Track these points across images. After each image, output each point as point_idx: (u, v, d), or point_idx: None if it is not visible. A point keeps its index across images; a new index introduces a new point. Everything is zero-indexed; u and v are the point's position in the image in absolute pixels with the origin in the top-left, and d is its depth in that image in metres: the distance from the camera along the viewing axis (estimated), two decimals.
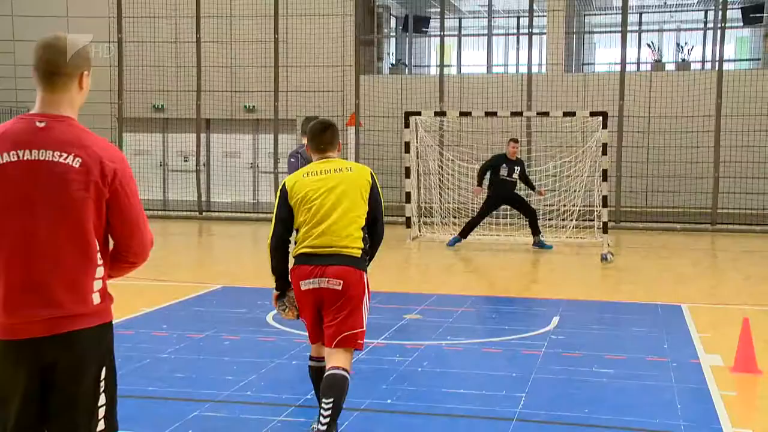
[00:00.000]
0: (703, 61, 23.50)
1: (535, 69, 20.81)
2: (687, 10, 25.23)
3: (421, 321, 8.34)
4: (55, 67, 3.08)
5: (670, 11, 25.61)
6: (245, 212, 20.98)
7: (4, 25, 25.42)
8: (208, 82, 21.64)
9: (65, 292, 2.88)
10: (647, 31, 25.42)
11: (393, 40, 26.52)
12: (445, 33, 20.99)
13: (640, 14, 25.22)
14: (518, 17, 27.11)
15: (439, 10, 21.00)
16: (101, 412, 3.03)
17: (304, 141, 5.84)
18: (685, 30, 25.26)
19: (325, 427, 4.49)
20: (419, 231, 16.13)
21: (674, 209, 19.43)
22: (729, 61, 22.67)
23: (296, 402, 5.56)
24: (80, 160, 2.93)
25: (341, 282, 4.62)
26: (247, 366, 6.47)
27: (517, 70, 24.09)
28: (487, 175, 14.55)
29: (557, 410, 5.45)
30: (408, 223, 15.76)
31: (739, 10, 23.04)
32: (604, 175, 14.87)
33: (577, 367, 6.57)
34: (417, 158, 16.16)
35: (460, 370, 6.52)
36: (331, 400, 4.54)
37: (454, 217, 16.59)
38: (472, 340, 7.50)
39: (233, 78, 22.90)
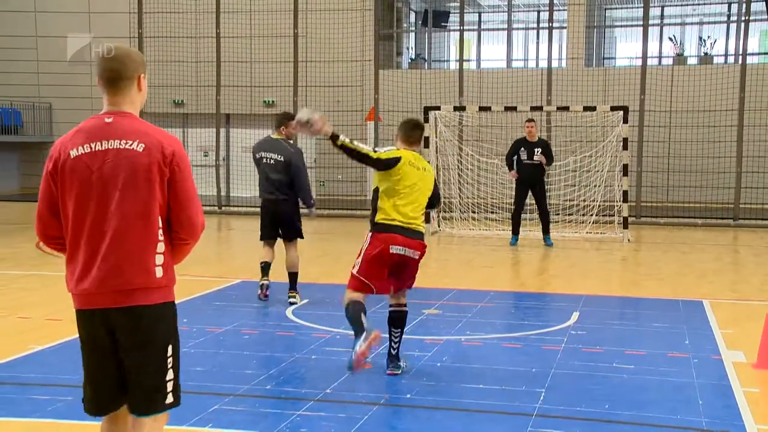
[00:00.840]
0: (726, 55, 23.31)
1: (555, 63, 20.72)
2: (710, 3, 25.02)
3: (441, 316, 8.33)
4: (116, 73, 3.46)
5: (693, 4, 25.39)
6: None
7: (26, 22, 25.62)
8: (227, 77, 21.72)
9: (131, 266, 3.33)
10: (669, 24, 25.23)
11: (412, 35, 26.49)
12: (465, 27, 20.91)
13: (662, 7, 25.04)
14: (538, 11, 27.00)
15: (458, 4, 20.95)
16: (169, 386, 3.43)
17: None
18: (708, 23, 25.05)
19: (395, 351, 6.23)
20: (438, 226, 16.11)
21: (696, 204, 19.31)
22: (753, 54, 22.47)
23: (315, 396, 5.57)
24: (143, 145, 3.44)
25: (419, 253, 6.35)
26: (266, 360, 6.50)
27: (537, 65, 24.01)
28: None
29: (577, 406, 5.43)
30: (427, 218, 15.75)
31: (764, 3, 22.80)
32: (625, 170, 14.79)
33: (598, 362, 6.54)
34: (436, 153, 16.14)
35: (480, 365, 6.51)
36: (399, 329, 6.30)
37: (474, 212, 16.56)
38: (492, 335, 7.49)
39: (253, 73, 22.97)
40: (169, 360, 3.42)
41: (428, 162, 6.53)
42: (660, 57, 24.11)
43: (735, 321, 8.24)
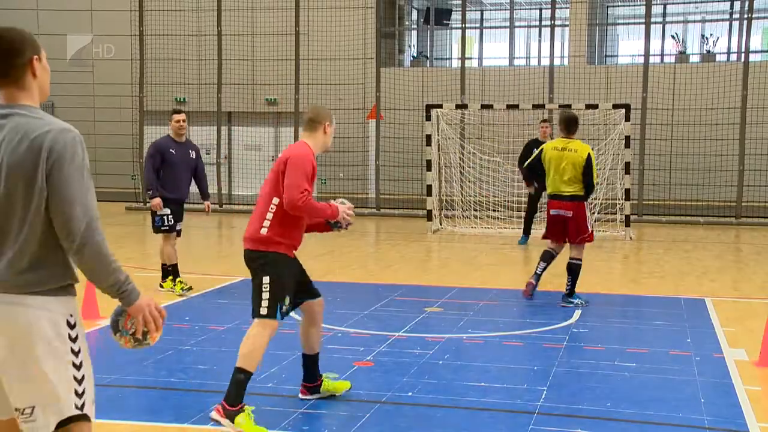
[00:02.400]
0: (729, 53, 23.28)
1: (557, 61, 20.70)
2: (712, 1, 24.98)
3: (442, 314, 8.34)
4: None
5: (695, 2, 25.35)
6: None
7: (28, 19, 25.61)
8: (229, 75, 21.71)
9: (251, 226, 5.21)
10: (671, 22, 25.20)
11: (414, 33, 26.48)
12: (467, 25, 20.90)
13: (665, 5, 25.00)
14: (540, 9, 26.99)
15: (460, 2, 20.94)
16: (264, 303, 5.19)
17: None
18: (710, 21, 25.01)
19: (567, 293, 8.82)
20: (440, 224, 16.12)
21: (698, 202, 19.29)
22: (755, 52, 22.45)
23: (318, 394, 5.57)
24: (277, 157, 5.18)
25: (571, 212, 8.63)
26: (268, 358, 6.49)
27: (539, 63, 24.00)
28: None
29: (579, 404, 5.44)
30: (429, 216, 15.76)
31: (766, 0, 22.77)
32: (627, 168, 14.79)
33: (599, 360, 6.55)
34: (438, 151, 16.14)
35: (481, 363, 6.51)
36: (571, 277, 8.84)
37: (475, 210, 16.56)
38: (493, 333, 7.49)
39: (254, 71, 22.96)
40: (264, 287, 5.14)
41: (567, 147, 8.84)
42: (662, 55, 24.09)
43: (737, 319, 8.24)
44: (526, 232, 14.38)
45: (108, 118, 24.36)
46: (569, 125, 8.84)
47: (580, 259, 8.89)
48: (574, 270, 8.85)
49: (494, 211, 16.31)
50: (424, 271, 11.58)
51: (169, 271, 9.38)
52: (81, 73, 24.85)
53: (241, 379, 5.02)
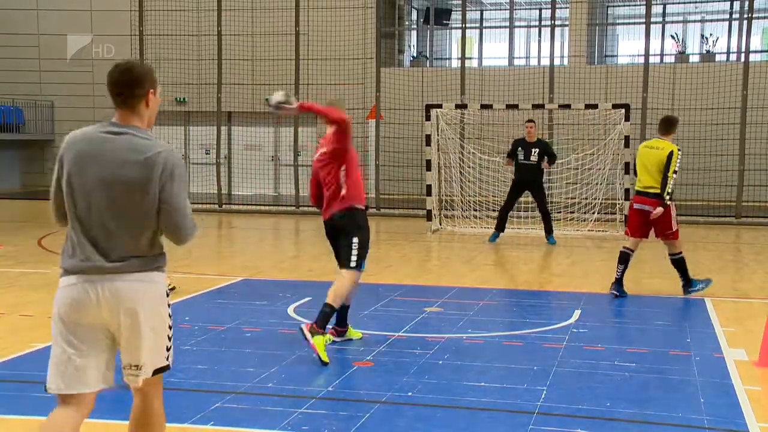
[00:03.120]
0: (728, 53, 23.28)
1: (557, 61, 20.70)
2: (712, 1, 24.98)
3: (442, 314, 8.34)
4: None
5: (695, 2, 25.36)
6: (266, 205, 21.05)
7: (28, 20, 25.62)
8: (229, 75, 21.71)
9: (332, 201, 6.67)
10: (671, 22, 25.21)
11: (414, 33, 26.48)
12: (467, 25, 20.90)
13: (664, 5, 25.01)
14: (540, 9, 27.00)
15: (460, 2, 20.94)
16: (353, 256, 6.63)
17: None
18: (710, 21, 25.01)
19: (684, 285, 9.41)
20: (440, 224, 16.12)
21: (698, 202, 19.29)
22: (755, 52, 22.45)
23: (317, 394, 5.57)
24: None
25: (651, 207, 9.09)
26: (268, 358, 6.50)
27: (539, 62, 24.00)
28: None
29: (579, 404, 5.43)
30: (429, 216, 15.76)
31: (766, 0, 22.77)
32: (627, 168, 14.78)
33: (599, 360, 6.54)
34: (438, 151, 16.14)
35: (481, 363, 6.51)
36: (680, 271, 9.37)
37: (475, 210, 16.57)
38: (493, 333, 7.49)
39: (254, 71, 22.96)
40: (353, 241, 6.62)
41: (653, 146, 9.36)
42: (662, 55, 24.09)
43: (737, 319, 8.24)
44: (499, 227, 14.31)
45: (108, 118, 24.36)
46: (663, 125, 9.46)
47: (679, 252, 9.34)
48: (678, 264, 9.38)
49: (494, 211, 16.29)
50: (423, 271, 11.57)
51: None
52: (81, 73, 24.85)
53: (326, 312, 6.43)
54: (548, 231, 14.19)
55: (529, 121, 14.24)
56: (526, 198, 14.93)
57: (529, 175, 13.96)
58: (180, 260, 11.43)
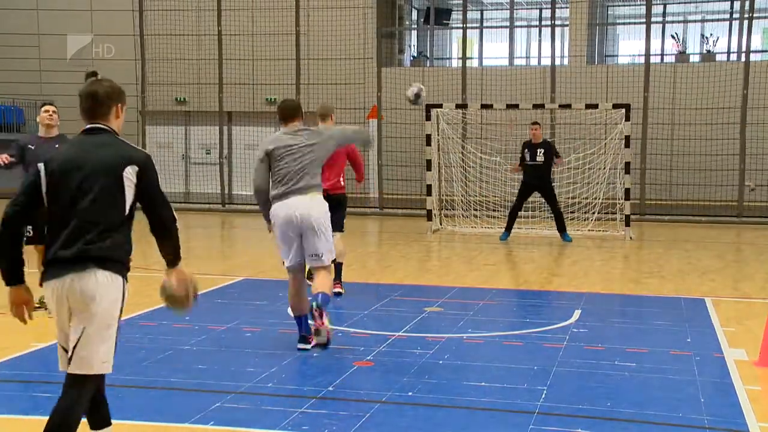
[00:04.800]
0: (729, 53, 23.25)
1: (557, 61, 20.69)
2: (712, 1, 24.97)
3: (442, 314, 8.34)
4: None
5: (695, 2, 25.34)
6: None
7: (29, 20, 25.61)
8: (230, 75, 21.70)
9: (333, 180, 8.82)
10: (672, 22, 25.19)
11: (414, 33, 26.46)
12: (467, 25, 20.89)
13: (665, 5, 24.99)
14: (540, 9, 26.98)
15: (460, 2, 20.93)
16: (343, 222, 9.30)
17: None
18: (711, 21, 24.99)
19: None
20: (440, 224, 16.12)
21: (699, 202, 19.28)
22: (756, 51, 22.41)
23: (318, 394, 5.57)
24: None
25: None
26: (268, 358, 6.50)
27: (540, 62, 23.98)
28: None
29: (579, 404, 5.43)
30: (429, 216, 15.75)
31: (766, 0, 22.76)
32: (627, 168, 14.79)
33: (599, 360, 6.54)
34: (438, 151, 16.14)
35: (481, 363, 6.51)
36: None
37: (476, 210, 16.56)
38: (493, 333, 7.49)
39: (255, 71, 22.95)
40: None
41: None
42: (662, 55, 24.07)
43: (737, 319, 8.23)
44: (509, 227, 14.56)
45: None
46: None
47: None
48: None
49: (494, 210, 16.31)
50: (424, 271, 11.58)
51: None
52: (81, 73, 24.82)
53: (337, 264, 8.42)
54: (562, 229, 14.38)
55: (534, 123, 14.48)
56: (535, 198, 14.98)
57: (537, 176, 14.15)
58: (182, 259, 11.41)
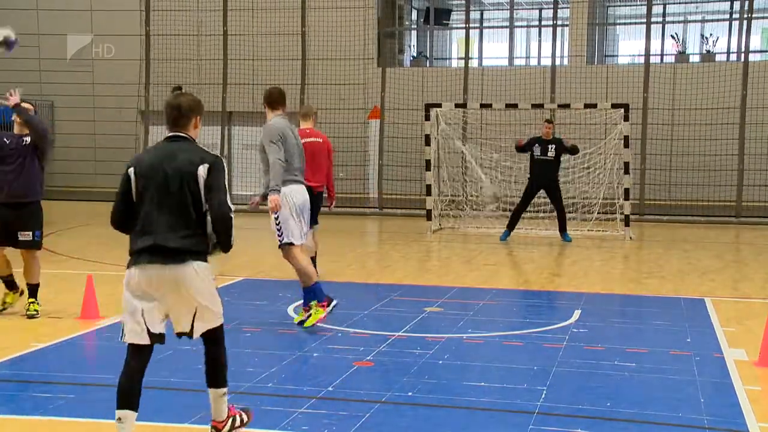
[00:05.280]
0: (728, 53, 23.24)
1: (557, 61, 20.68)
2: (712, 1, 24.95)
3: (442, 314, 8.33)
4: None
5: (695, 2, 25.34)
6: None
7: (29, 20, 25.59)
8: (231, 74, 21.70)
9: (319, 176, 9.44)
10: (671, 22, 25.18)
11: (414, 33, 26.46)
12: (469, 25, 20.88)
13: (664, 5, 24.97)
14: (540, 9, 26.99)
15: (461, 2, 20.93)
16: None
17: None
18: (710, 21, 24.98)
19: None
20: (440, 224, 16.11)
21: (698, 202, 19.27)
22: (755, 52, 22.42)
23: (317, 394, 5.57)
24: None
25: None
26: (268, 358, 6.50)
27: (539, 62, 23.96)
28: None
29: (579, 404, 5.43)
30: (429, 216, 15.74)
31: (766, 0, 22.75)
32: (627, 168, 14.77)
33: (599, 360, 6.54)
34: (438, 150, 16.13)
35: (481, 363, 6.51)
36: None
37: (476, 210, 16.56)
38: (493, 333, 7.49)
39: (255, 71, 22.94)
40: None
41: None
42: (662, 55, 24.05)
43: (737, 319, 8.23)
44: (510, 226, 14.52)
45: (108, 118, 24.34)
46: None
47: None
48: None
49: (494, 210, 16.29)
50: (424, 271, 11.57)
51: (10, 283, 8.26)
52: (81, 73, 24.82)
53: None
54: (563, 229, 14.38)
55: (548, 121, 14.53)
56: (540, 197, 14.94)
57: (546, 172, 14.11)
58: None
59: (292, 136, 7.52)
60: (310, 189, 8.01)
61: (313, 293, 7.38)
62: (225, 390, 4.80)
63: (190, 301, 4.48)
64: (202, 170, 4.45)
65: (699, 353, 6.78)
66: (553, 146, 14.08)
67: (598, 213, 15.81)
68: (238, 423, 4.87)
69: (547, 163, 14.06)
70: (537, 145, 14.16)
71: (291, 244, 7.44)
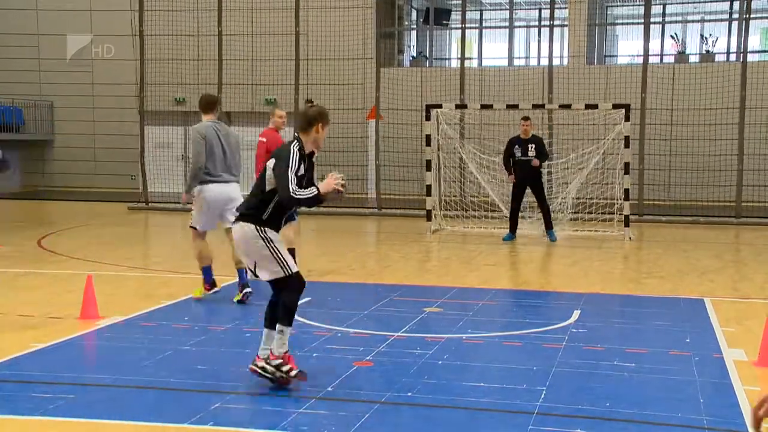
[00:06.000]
0: (728, 53, 23.28)
1: (556, 61, 20.70)
2: (711, 1, 24.98)
3: (441, 314, 8.34)
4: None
5: (694, 2, 25.36)
6: None
7: (28, 20, 25.60)
8: (229, 75, 21.69)
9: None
10: (671, 22, 25.21)
11: (414, 33, 26.47)
12: (466, 25, 20.90)
13: (664, 5, 25.01)
14: (540, 9, 27.00)
15: (460, 2, 20.94)
16: None
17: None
18: (710, 21, 25.01)
19: None
20: (440, 224, 16.12)
21: (698, 202, 19.30)
22: (754, 52, 22.47)
23: (317, 394, 5.57)
24: None
25: None
26: None
27: (539, 63, 24.00)
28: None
29: (578, 404, 5.43)
30: (428, 216, 15.75)
31: (765, 0, 22.78)
32: (626, 168, 14.78)
33: (599, 360, 6.54)
34: (438, 151, 16.14)
35: (481, 363, 6.51)
36: None
37: (475, 210, 16.57)
38: (493, 334, 7.49)
39: (254, 71, 22.95)
40: None
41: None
42: (661, 55, 24.09)
43: (736, 319, 8.23)
44: (512, 229, 14.53)
45: (107, 118, 24.34)
46: None
47: None
48: None
49: (493, 211, 16.31)
50: (423, 271, 11.57)
51: None
52: (81, 73, 24.84)
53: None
54: (548, 226, 14.32)
55: (525, 118, 14.39)
56: (526, 198, 14.93)
57: (530, 171, 14.11)
58: (178, 260, 11.42)
59: (217, 138, 8.66)
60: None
61: (205, 273, 8.90)
62: (281, 327, 5.66)
63: None
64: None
65: (698, 353, 6.79)
66: (533, 145, 14.06)
67: (597, 213, 15.83)
68: (285, 369, 5.58)
69: (528, 162, 14.06)
70: (517, 146, 14.14)
71: (194, 228, 8.90)
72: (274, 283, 5.80)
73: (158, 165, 21.52)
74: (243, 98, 22.75)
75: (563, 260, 12.67)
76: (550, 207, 14.66)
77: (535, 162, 14.10)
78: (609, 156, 15.86)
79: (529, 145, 14.06)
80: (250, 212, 5.75)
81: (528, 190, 14.41)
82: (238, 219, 5.80)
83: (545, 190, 14.62)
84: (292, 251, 9.58)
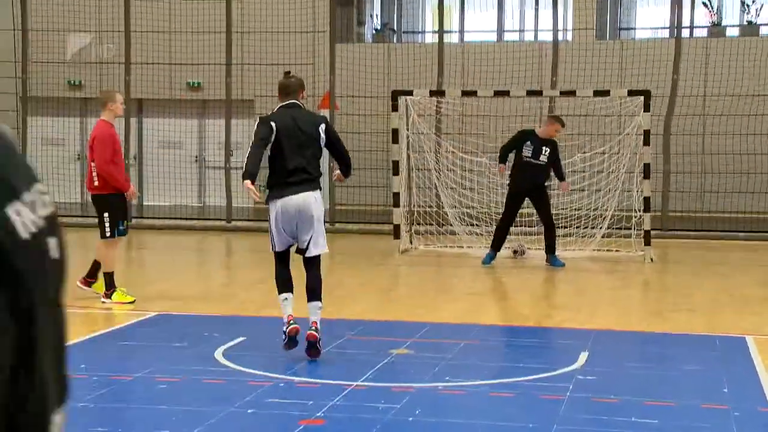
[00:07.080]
0: None
1: (559, 35, 20.87)
2: None
3: (412, 357, 8.35)
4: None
5: None
6: (189, 218, 20.72)
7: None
8: (139, 51, 21.49)
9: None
10: None
11: (378, 0, 26.57)
12: None
13: None
14: None
15: None
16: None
17: None
18: None
19: None
20: (410, 242, 16.14)
21: (737, 214, 19.45)
22: None
23: None
24: None
25: None
26: (189, 416, 6.46)
27: (536, 37, 24.18)
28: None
29: None
30: (396, 233, 15.75)
31: None
32: (647, 171, 14.88)
33: (612, 416, 6.59)
34: (408, 150, 16.18)
35: (462, 419, 6.53)
36: None
37: (451, 225, 16.58)
38: (477, 382, 7.52)
39: (171, 47, 22.85)
40: None
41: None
42: (691, 27, 24.37)
43: None
44: (495, 246, 14.35)
45: None
46: None
47: None
48: None
49: (478, 225, 16.33)
50: (389, 303, 11.59)
51: None
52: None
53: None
54: (551, 249, 14.19)
55: (555, 119, 14.43)
56: (523, 208, 14.96)
57: (535, 178, 14.08)
58: (73, 290, 11.32)
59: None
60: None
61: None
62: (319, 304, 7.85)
63: None
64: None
65: (739, 407, 6.86)
66: (548, 149, 14.00)
67: (609, 228, 15.88)
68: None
69: (537, 168, 14.03)
70: (529, 143, 14.03)
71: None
72: (314, 258, 8.04)
73: (45, 169, 21.32)
74: (158, 82, 22.63)
75: (567, 287, 12.75)
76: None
77: (565, 187, 14.26)
78: (625, 155, 15.96)
79: (544, 148, 13.97)
80: (317, 180, 7.75)
81: (527, 202, 14.39)
82: (307, 188, 7.90)
83: (550, 203, 14.48)
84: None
